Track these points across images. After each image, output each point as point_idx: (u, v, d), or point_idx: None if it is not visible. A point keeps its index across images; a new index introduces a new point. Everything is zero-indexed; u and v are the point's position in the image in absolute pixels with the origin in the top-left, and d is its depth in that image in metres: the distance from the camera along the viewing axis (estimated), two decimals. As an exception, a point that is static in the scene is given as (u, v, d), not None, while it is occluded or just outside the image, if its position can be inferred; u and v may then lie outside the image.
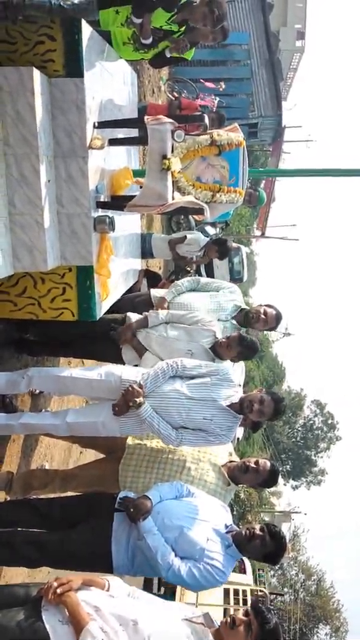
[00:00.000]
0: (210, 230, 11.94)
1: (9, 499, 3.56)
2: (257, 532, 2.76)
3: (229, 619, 2.18)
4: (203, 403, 3.15)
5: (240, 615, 2.18)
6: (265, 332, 4.35)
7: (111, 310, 3.87)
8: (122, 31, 3.47)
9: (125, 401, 3.09)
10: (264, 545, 2.76)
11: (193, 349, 3.56)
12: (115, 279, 3.80)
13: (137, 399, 3.05)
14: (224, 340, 3.57)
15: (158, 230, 10.08)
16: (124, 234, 4.17)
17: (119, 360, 3.74)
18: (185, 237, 5.38)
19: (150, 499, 2.76)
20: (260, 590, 11.22)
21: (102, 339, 3.76)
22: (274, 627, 2.14)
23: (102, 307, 3.67)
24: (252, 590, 10.48)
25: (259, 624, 2.13)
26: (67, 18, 2.94)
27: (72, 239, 3.28)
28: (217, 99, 9.29)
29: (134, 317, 3.81)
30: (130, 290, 4.48)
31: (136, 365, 3.63)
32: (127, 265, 4.40)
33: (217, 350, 3.58)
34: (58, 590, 2.12)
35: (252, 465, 3.23)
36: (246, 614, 2.18)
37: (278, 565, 26.36)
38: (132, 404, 3.05)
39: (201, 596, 8.34)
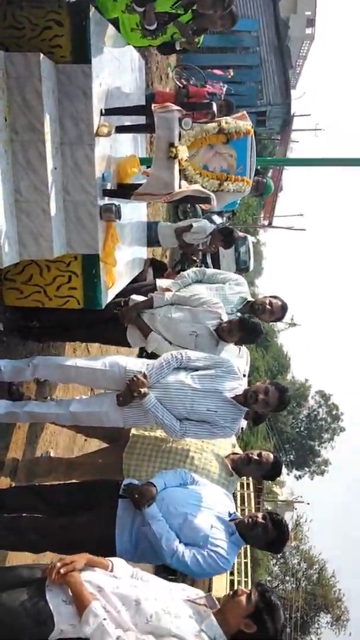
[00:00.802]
0: (217, 219, 11.87)
1: (14, 485, 3.59)
2: (260, 520, 2.78)
3: (231, 591, 2.22)
4: (207, 395, 3.15)
5: (242, 588, 2.23)
6: (271, 323, 4.33)
7: (116, 299, 3.87)
8: (130, 17, 3.43)
9: (130, 391, 3.09)
10: (266, 533, 2.77)
11: (197, 330, 3.55)
12: (120, 267, 3.80)
13: (142, 389, 3.06)
14: (225, 324, 3.56)
15: (164, 219, 10.04)
16: (130, 223, 4.16)
17: (124, 342, 3.75)
18: (192, 225, 5.35)
19: (155, 485, 2.77)
20: None
21: (107, 322, 3.76)
22: (274, 599, 2.18)
23: (108, 295, 3.66)
24: None
25: (259, 593, 2.17)
26: (73, 3, 2.91)
27: (78, 226, 3.27)
28: (226, 86, 9.19)
29: (138, 299, 3.80)
30: (135, 280, 4.48)
31: (142, 347, 3.63)
32: (133, 254, 4.39)
33: (221, 334, 3.57)
34: (62, 571, 2.15)
35: (255, 457, 3.24)
36: (249, 595, 2.22)
37: (280, 554, 26.54)
38: (136, 394, 3.05)
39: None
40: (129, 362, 3.34)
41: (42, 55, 2.86)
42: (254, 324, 3.59)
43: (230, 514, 2.87)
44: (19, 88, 2.85)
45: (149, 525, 2.67)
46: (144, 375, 3.14)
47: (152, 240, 5.22)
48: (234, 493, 3.44)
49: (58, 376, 3.51)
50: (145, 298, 3.78)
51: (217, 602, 2.26)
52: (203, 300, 3.68)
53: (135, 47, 3.96)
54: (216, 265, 12.17)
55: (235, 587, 2.28)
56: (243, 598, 2.19)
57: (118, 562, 2.34)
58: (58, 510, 2.95)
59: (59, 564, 2.17)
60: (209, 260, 11.55)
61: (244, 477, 3.61)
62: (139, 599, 2.12)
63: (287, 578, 28.72)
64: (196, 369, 3.27)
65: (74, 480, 3.57)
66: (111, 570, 2.28)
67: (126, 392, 3.12)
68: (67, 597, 2.13)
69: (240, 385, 3.26)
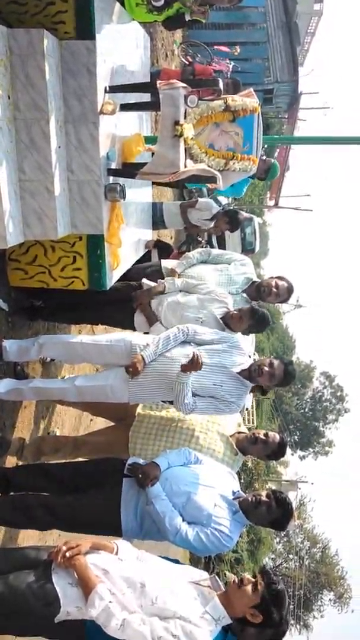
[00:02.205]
0: (223, 200, 11.77)
1: (20, 464, 3.63)
2: (264, 498, 2.80)
3: (236, 579, 2.23)
4: (213, 369, 3.16)
5: (247, 576, 2.23)
6: (277, 304, 4.32)
7: (121, 279, 3.86)
8: (135, -9, 3.36)
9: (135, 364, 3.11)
10: (270, 511, 2.80)
11: (204, 316, 3.55)
12: (125, 248, 3.78)
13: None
14: (235, 312, 3.55)
15: (170, 199, 9.97)
16: (135, 202, 4.12)
17: (129, 325, 3.75)
18: (197, 201, 5.30)
19: (158, 465, 2.80)
20: None
21: (114, 303, 3.76)
22: (279, 589, 2.18)
23: (113, 276, 3.65)
24: None
25: (266, 583, 2.17)
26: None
27: (82, 206, 3.25)
28: (232, 63, 9.03)
29: (149, 283, 3.80)
30: (140, 261, 4.46)
31: (146, 333, 3.64)
32: (138, 234, 4.36)
33: (228, 322, 3.56)
34: (67, 554, 2.18)
35: (262, 437, 3.26)
36: (254, 576, 2.23)
37: (284, 532, 26.86)
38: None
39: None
40: (135, 337, 3.35)
41: (45, 31, 2.81)
42: (263, 314, 3.59)
43: (234, 493, 2.90)
44: (22, 65, 2.80)
45: (152, 504, 2.70)
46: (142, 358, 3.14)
47: (157, 220, 5.18)
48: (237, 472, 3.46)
49: (64, 354, 3.52)
50: (155, 283, 3.77)
51: (221, 584, 2.27)
52: (210, 290, 3.67)
53: (140, 23, 3.89)
54: (222, 246, 12.08)
55: (240, 576, 2.29)
56: (249, 588, 2.18)
57: (123, 545, 2.37)
58: (64, 488, 2.98)
59: (64, 548, 2.20)
60: (214, 242, 11.47)
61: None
62: (144, 582, 2.15)
63: (291, 556, 29.12)
64: (202, 344, 3.27)
65: (80, 459, 3.61)
66: (116, 553, 2.30)
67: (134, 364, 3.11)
68: (73, 580, 2.16)
69: (245, 361, 3.26)
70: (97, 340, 3.35)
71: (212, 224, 5.30)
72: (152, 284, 3.78)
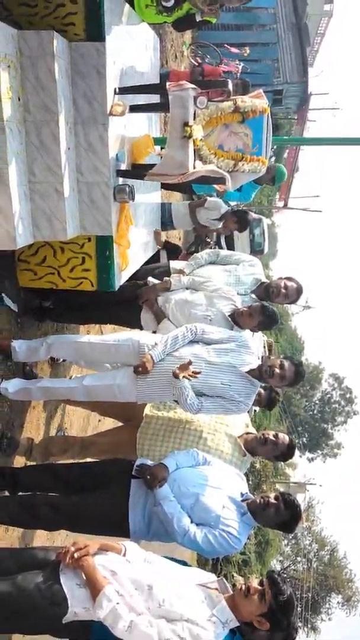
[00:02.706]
0: (231, 203, 11.76)
1: (28, 464, 3.64)
2: (272, 500, 2.78)
3: (243, 587, 2.20)
4: (222, 368, 3.15)
5: (255, 584, 2.21)
6: (285, 305, 4.30)
7: (130, 281, 3.86)
8: (145, -7, 3.36)
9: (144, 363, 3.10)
10: (278, 513, 2.78)
11: (212, 314, 3.54)
12: (134, 249, 3.78)
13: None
14: (245, 309, 3.53)
15: (178, 200, 9.96)
16: (144, 204, 4.13)
17: (136, 324, 3.75)
18: (206, 200, 5.29)
19: (166, 466, 2.80)
20: None
21: (121, 303, 3.77)
22: (287, 598, 2.16)
23: (122, 277, 3.66)
24: None
25: (273, 594, 2.15)
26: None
27: (91, 208, 3.26)
28: (241, 64, 9.02)
29: (155, 281, 3.79)
30: (149, 263, 4.46)
31: (153, 332, 3.64)
32: (146, 236, 4.36)
33: (237, 319, 3.55)
34: (75, 555, 2.18)
35: (271, 438, 3.25)
36: (261, 583, 2.20)
37: (292, 534, 26.76)
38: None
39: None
40: (143, 336, 3.34)
41: (55, 33, 2.82)
42: (274, 311, 3.58)
43: (242, 494, 2.88)
44: (32, 67, 2.81)
45: (160, 506, 2.69)
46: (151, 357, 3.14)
47: (165, 221, 5.18)
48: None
49: (72, 354, 3.52)
50: (161, 282, 3.77)
51: (229, 587, 2.27)
52: (217, 287, 3.67)
53: (149, 24, 3.89)
54: (230, 247, 12.07)
55: (246, 584, 2.24)
56: (256, 597, 2.16)
57: (131, 547, 2.37)
58: (72, 488, 2.98)
59: (72, 548, 2.20)
60: (223, 244, 11.46)
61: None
62: (151, 584, 2.14)
63: (299, 559, 28.99)
64: (210, 343, 3.26)
65: (88, 459, 3.61)
66: (124, 555, 2.30)
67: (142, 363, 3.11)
68: (81, 581, 2.16)
69: (254, 361, 3.25)
70: (105, 340, 3.35)
71: (220, 224, 5.29)
72: (158, 281, 3.78)
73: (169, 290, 3.69)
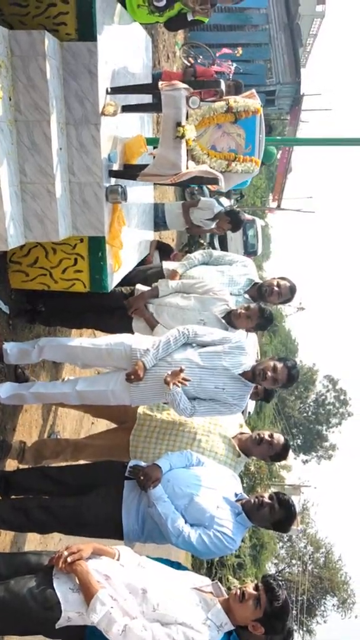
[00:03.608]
0: (225, 202, 11.78)
1: (21, 467, 3.61)
2: (266, 500, 2.78)
3: (238, 592, 2.19)
4: (215, 372, 3.13)
5: (250, 589, 2.19)
6: (280, 305, 4.29)
7: (123, 281, 3.84)
8: (137, -7, 3.35)
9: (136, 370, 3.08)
10: (273, 513, 2.78)
11: (205, 318, 3.53)
12: (127, 250, 3.76)
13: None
14: (243, 311, 3.52)
15: (172, 199, 9.96)
16: (136, 205, 4.11)
17: (129, 332, 3.73)
18: (199, 200, 5.29)
19: (160, 467, 2.78)
20: None
21: (112, 311, 3.75)
22: (282, 603, 2.15)
23: (114, 278, 3.64)
24: None
25: (268, 599, 2.14)
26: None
27: (83, 208, 3.24)
28: (234, 65, 9.01)
29: (143, 288, 3.77)
30: (142, 263, 4.44)
31: None
32: (139, 236, 4.35)
33: (234, 321, 3.54)
34: (68, 559, 2.16)
35: (267, 437, 3.24)
36: (256, 588, 2.19)
37: (287, 535, 26.79)
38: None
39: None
40: (135, 340, 3.32)
41: (46, 32, 2.80)
42: (270, 312, 3.59)
43: (236, 495, 2.88)
44: (24, 66, 2.80)
45: (154, 507, 2.68)
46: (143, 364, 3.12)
47: (158, 221, 5.17)
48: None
49: (64, 356, 3.50)
50: (150, 288, 3.75)
51: (223, 591, 2.26)
52: (207, 288, 3.66)
53: (141, 24, 3.88)
54: (224, 248, 12.09)
55: (241, 589, 2.23)
56: (251, 602, 2.15)
57: (124, 551, 2.35)
58: (65, 491, 2.97)
59: (65, 553, 2.18)
60: (216, 244, 11.47)
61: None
62: (145, 588, 2.13)
63: (294, 561, 29.01)
64: (203, 345, 3.25)
65: (81, 462, 3.59)
66: (118, 559, 2.28)
67: (134, 370, 3.09)
68: (74, 585, 2.14)
69: (249, 362, 3.24)
70: (96, 344, 3.33)
71: (213, 224, 5.29)
72: (146, 288, 3.76)
73: (157, 296, 3.67)
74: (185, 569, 2.49)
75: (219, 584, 2.30)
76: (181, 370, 3.00)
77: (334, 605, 29.26)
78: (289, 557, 30.03)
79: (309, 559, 29.27)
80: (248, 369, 3.18)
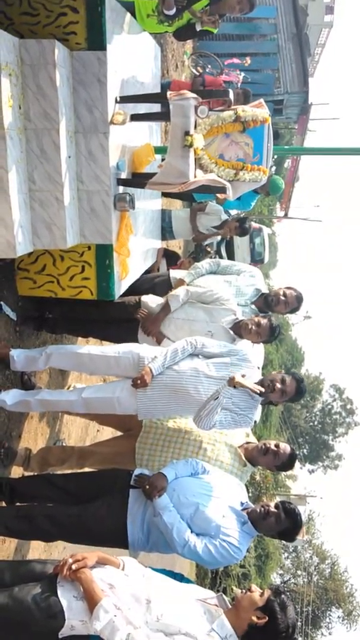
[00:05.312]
0: (232, 210, 11.79)
1: (26, 474, 3.60)
2: (272, 509, 2.77)
3: (244, 589, 2.25)
4: (222, 382, 3.12)
5: (254, 585, 2.26)
6: (287, 314, 4.28)
7: (129, 289, 3.84)
8: (146, 2, 3.38)
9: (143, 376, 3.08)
10: (279, 522, 2.76)
11: (213, 329, 3.53)
12: (134, 258, 3.77)
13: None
14: (254, 327, 3.51)
15: (179, 208, 9.98)
16: (144, 213, 4.12)
17: (133, 341, 3.72)
18: (207, 204, 5.29)
19: (165, 476, 2.77)
20: None
21: (119, 323, 3.75)
22: (286, 597, 2.22)
23: (121, 286, 3.64)
24: None
25: (272, 590, 2.23)
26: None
27: (91, 216, 3.25)
28: (242, 74, 9.04)
29: (149, 299, 3.76)
30: (149, 271, 4.44)
31: None
32: (146, 244, 4.36)
33: (242, 333, 3.53)
34: (73, 567, 2.15)
35: (273, 447, 3.21)
36: (263, 592, 2.23)
37: (293, 545, 26.59)
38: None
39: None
40: (143, 349, 3.32)
41: (56, 42, 2.83)
42: (279, 327, 3.61)
43: (242, 503, 2.86)
44: (33, 75, 2.82)
45: (160, 516, 2.67)
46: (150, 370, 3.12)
47: (165, 226, 5.16)
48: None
49: (71, 364, 3.50)
50: (157, 299, 3.74)
51: (228, 602, 2.26)
52: (217, 297, 3.65)
53: (150, 33, 3.91)
54: (231, 257, 12.08)
55: (248, 585, 2.32)
56: (256, 593, 2.21)
57: (129, 561, 2.35)
58: (69, 499, 2.95)
59: (70, 560, 2.17)
60: (223, 253, 11.48)
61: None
62: (150, 598, 2.12)
63: (299, 572, 28.77)
64: (210, 357, 3.24)
65: (86, 469, 3.58)
66: (122, 569, 2.27)
67: (141, 376, 3.09)
68: (79, 593, 2.13)
69: (254, 374, 3.23)
70: (104, 352, 3.33)
71: (219, 234, 5.30)
72: (152, 300, 3.74)
73: (170, 312, 3.67)
74: (188, 581, 2.48)
75: (224, 596, 2.30)
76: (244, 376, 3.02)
77: (339, 617, 28.98)
78: (294, 567, 29.79)
79: (315, 570, 29.01)
80: (255, 381, 3.17)
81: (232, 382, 2.98)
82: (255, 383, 3.16)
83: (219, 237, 5.84)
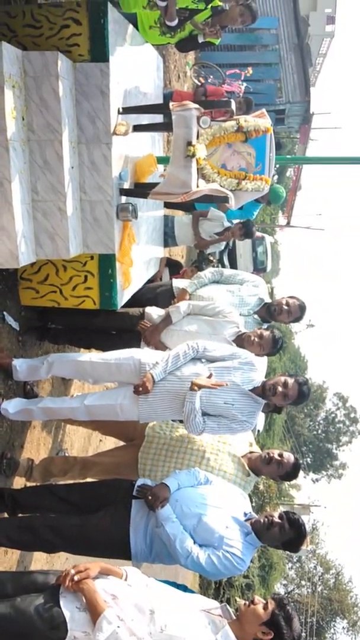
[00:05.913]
0: (235, 220, 11.81)
1: (29, 485, 3.59)
2: (276, 519, 2.74)
3: (247, 601, 2.23)
4: (224, 387, 3.11)
5: (258, 597, 2.24)
6: (290, 324, 4.27)
7: (132, 299, 3.85)
8: (149, 14, 3.41)
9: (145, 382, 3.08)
10: (283, 532, 2.74)
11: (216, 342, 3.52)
12: (137, 267, 3.77)
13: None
14: (256, 339, 3.51)
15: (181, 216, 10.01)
16: (146, 222, 4.14)
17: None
18: (210, 210, 5.29)
19: (168, 486, 2.76)
20: None
21: (121, 334, 3.75)
22: (291, 609, 2.20)
23: (124, 295, 3.65)
24: None
25: (276, 601, 2.20)
26: (92, 1, 2.89)
27: (94, 226, 3.26)
28: (244, 84, 9.09)
29: (152, 311, 3.76)
30: (151, 280, 4.44)
31: None
32: (149, 254, 4.37)
33: (244, 345, 3.52)
34: (75, 578, 2.14)
35: (276, 457, 3.19)
36: (265, 599, 2.22)
37: (297, 556, 26.40)
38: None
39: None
40: (144, 354, 3.31)
41: (59, 53, 2.85)
42: (282, 339, 3.61)
43: (245, 514, 2.84)
44: (37, 87, 2.84)
45: (162, 527, 2.65)
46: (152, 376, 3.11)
47: (167, 231, 5.17)
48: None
49: (73, 372, 3.49)
50: (159, 311, 3.74)
51: (232, 613, 2.24)
52: (219, 310, 3.65)
53: (153, 45, 3.94)
54: (233, 265, 12.10)
55: (252, 597, 2.31)
56: (260, 606, 2.18)
57: (132, 572, 2.33)
58: (73, 509, 2.94)
59: (73, 571, 2.16)
60: (226, 261, 11.49)
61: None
62: (153, 608, 2.10)
63: (303, 582, 28.54)
64: (212, 360, 3.23)
65: (89, 480, 3.56)
66: (125, 579, 2.26)
67: (142, 383, 3.08)
68: (81, 604, 2.12)
69: (258, 377, 3.21)
70: (105, 359, 3.32)
71: (222, 243, 5.30)
72: (155, 312, 3.75)
73: (171, 324, 3.67)
74: (191, 592, 2.46)
75: (228, 606, 2.28)
76: (210, 376, 2.98)
77: (343, 627, 28.70)
78: (298, 578, 29.55)
79: (319, 580, 28.78)
80: (258, 385, 3.16)
81: (192, 386, 2.98)
82: (256, 387, 3.15)
83: (222, 245, 5.83)
